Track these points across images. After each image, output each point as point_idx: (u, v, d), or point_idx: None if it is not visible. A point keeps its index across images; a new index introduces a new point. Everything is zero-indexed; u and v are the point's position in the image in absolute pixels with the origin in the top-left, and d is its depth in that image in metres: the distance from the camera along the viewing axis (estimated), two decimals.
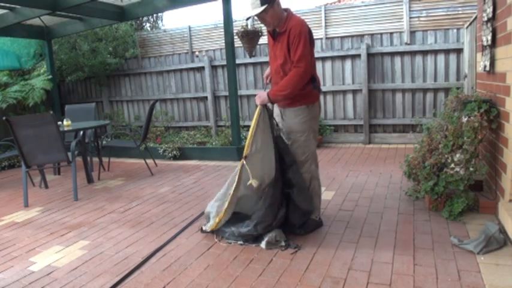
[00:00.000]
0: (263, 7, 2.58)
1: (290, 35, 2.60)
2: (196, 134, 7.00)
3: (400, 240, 2.64)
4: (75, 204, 4.05)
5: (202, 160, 5.88)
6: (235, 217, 2.86)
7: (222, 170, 5.14)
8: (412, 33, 5.80)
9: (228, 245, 2.77)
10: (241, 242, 2.75)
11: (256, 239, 2.74)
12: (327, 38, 6.32)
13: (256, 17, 2.69)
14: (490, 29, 3.03)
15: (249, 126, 2.82)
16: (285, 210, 2.74)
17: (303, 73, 2.58)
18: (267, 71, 3.01)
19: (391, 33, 5.93)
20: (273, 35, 2.79)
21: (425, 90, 5.82)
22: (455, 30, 5.56)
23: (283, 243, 2.65)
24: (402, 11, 5.78)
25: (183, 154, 6.06)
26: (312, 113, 2.77)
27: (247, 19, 2.94)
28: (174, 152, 6.01)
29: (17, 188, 4.90)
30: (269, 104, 2.76)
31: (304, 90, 2.70)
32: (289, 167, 2.77)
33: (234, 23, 5.47)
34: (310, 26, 6.83)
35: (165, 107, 7.82)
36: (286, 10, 2.74)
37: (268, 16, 2.66)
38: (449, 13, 5.56)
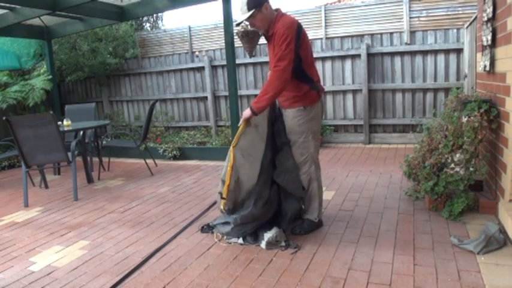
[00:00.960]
0: (250, 12, 2.59)
1: (275, 37, 2.60)
2: (196, 134, 7.01)
3: (400, 240, 2.64)
4: (75, 204, 4.05)
5: (202, 160, 5.88)
6: (236, 208, 2.85)
7: (222, 170, 5.12)
8: (412, 33, 5.80)
9: (228, 245, 2.77)
10: (241, 242, 2.75)
11: (256, 238, 2.74)
12: (327, 38, 6.32)
13: (247, 22, 2.70)
14: (490, 29, 3.03)
15: None
16: (276, 186, 2.78)
17: (281, 72, 2.55)
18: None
19: (391, 33, 5.93)
20: (267, 37, 2.80)
21: (425, 90, 5.82)
22: (455, 30, 5.56)
23: (283, 243, 2.65)
24: (402, 11, 5.78)
25: (183, 154, 6.06)
26: (311, 114, 2.75)
27: (238, 25, 2.97)
28: (174, 152, 6.01)
29: (17, 188, 4.90)
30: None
31: (301, 91, 2.70)
32: (280, 150, 2.80)
33: (234, 23, 5.47)
34: (310, 26, 6.75)
35: (165, 107, 7.82)
36: (277, 11, 2.72)
37: (257, 20, 2.66)
38: (449, 13, 5.57)
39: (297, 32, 2.59)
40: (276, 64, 2.57)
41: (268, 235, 2.68)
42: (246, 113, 2.67)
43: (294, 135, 2.78)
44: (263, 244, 2.66)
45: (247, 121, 2.70)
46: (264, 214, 2.75)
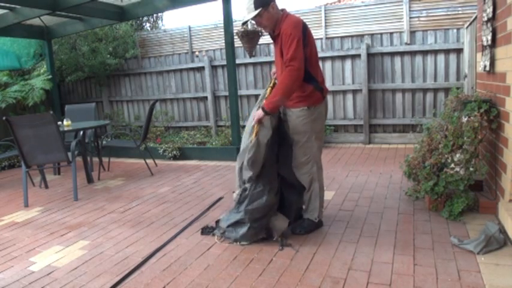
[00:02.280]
0: (257, 11, 2.59)
1: (282, 38, 2.60)
2: (196, 134, 7.01)
3: (400, 240, 2.64)
4: (75, 204, 4.05)
5: (202, 160, 5.88)
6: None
7: (222, 170, 5.14)
8: (412, 33, 5.80)
9: (228, 245, 2.77)
10: (239, 240, 2.76)
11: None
12: (327, 38, 6.32)
13: (253, 21, 2.69)
14: (490, 29, 3.03)
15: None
16: (279, 178, 2.83)
17: (296, 71, 2.54)
18: (274, 68, 3.00)
19: (391, 33, 5.93)
20: (272, 37, 2.79)
21: (425, 90, 5.82)
22: (455, 30, 5.56)
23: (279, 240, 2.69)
24: (402, 11, 5.78)
25: (183, 154, 6.06)
26: (314, 115, 2.74)
27: (244, 24, 2.96)
28: (174, 152, 6.01)
29: (17, 188, 4.90)
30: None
31: (305, 91, 2.69)
32: (280, 145, 2.81)
33: (234, 23, 5.48)
34: (310, 26, 6.81)
35: (165, 107, 7.82)
36: (283, 10, 2.71)
37: (264, 19, 2.66)
38: (449, 13, 5.57)
39: (303, 32, 2.59)
40: (289, 64, 2.55)
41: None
42: (259, 113, 2.65)
43: (297, 135, 2.77)
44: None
45: (260, 122, 2.67)
46: (276, 204, 2.79)
